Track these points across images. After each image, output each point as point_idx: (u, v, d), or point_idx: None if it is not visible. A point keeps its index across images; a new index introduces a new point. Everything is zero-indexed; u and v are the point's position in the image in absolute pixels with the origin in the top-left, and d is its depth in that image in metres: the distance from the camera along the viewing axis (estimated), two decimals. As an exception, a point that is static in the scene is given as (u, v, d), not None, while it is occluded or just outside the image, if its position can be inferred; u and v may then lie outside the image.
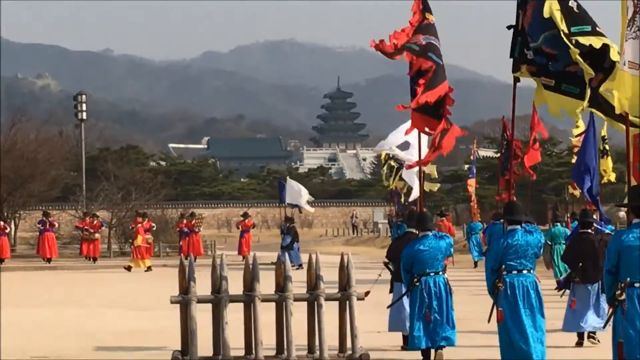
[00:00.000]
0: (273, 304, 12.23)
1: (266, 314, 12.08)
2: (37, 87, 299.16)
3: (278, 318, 12.22)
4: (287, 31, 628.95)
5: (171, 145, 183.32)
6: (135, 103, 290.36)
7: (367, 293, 13.27)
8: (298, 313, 12.05)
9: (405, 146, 26.56)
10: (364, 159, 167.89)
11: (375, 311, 15.44)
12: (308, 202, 40.98)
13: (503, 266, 11.71)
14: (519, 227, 11.89)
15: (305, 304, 12.29)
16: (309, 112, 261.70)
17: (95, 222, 43.38)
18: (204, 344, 12.19)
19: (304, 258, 12.24)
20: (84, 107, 69.15)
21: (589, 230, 15.20)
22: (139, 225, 37.47)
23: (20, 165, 49.65)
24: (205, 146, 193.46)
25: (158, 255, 45.87)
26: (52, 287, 29.13)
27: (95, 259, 42.22)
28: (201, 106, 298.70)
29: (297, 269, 30.43)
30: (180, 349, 12.03)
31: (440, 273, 13.30)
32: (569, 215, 34.09)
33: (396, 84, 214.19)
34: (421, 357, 13.30)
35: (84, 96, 70.21)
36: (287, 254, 36.00)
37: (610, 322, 9.86)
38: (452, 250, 13.72)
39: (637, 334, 9.44)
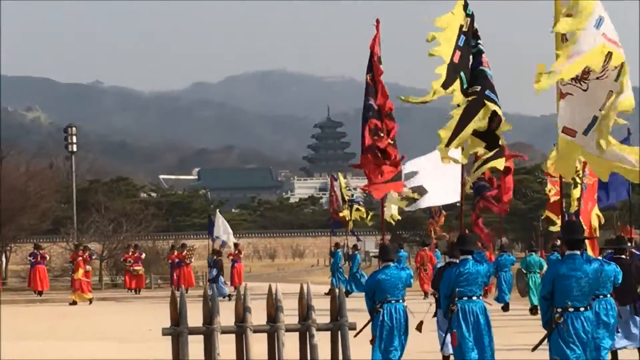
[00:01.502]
0: (265, 335, 12.22)
1: (258, 344, 12.08)
2: (27, 120, 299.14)
3: (270, 349, 12.21)
4: (276, 61, 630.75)
5: (162, 176, 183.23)
6: (125, 134, 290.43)
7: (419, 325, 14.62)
8: (290, 343, 12.05)
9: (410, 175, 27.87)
10: (355, 188, 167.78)
11: (367, 341, 15.43)
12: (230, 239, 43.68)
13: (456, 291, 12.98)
14: (470, 257, 13.19)
15: (297, 334, 12.29)
16: (299, 142, 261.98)
17: (86, 254, 43.36)
18: (197, 376, 12.18)
19: (296, 288, 12.28)
20: (74, 139, 68.95)
21: (623, 256, 16.07)
22: (79, 258, 37.85)
23: (11, 198, 49.55)
24: (196, 177, 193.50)
25: (149, 287, 45.82)
26: (44, 320, 29.07)
27: (86, 291, 42.13)
28: (191, 137, 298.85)
29: (228, 300, 32.71)
30: (172, 380, 12.00)
31: (400, 301, 14.42)
32: (553, 243, 34.31)
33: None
34: None
35: (74, 128, 69.95)
36: (213, 287, 36.18)
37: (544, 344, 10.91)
38: (412, 280, 14.75)
39: (573, 353, 10.60)
